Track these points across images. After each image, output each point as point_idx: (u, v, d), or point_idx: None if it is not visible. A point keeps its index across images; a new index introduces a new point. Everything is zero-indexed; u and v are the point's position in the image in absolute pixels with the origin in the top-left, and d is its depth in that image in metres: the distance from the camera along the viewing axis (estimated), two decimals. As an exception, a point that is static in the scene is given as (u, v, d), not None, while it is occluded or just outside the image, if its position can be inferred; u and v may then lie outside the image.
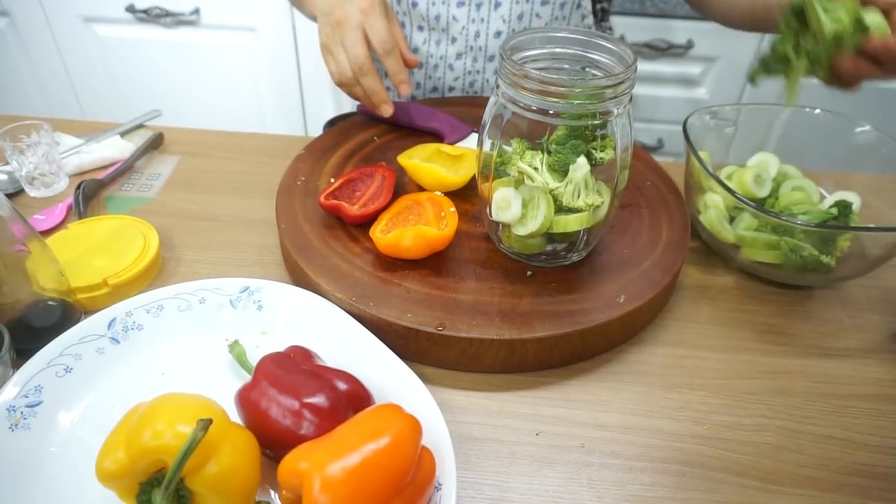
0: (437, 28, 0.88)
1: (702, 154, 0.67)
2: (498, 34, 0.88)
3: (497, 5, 0.85)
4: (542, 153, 0.56)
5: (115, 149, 0.85)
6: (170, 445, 0.39)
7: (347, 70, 0.73)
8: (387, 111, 0.76)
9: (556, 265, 0.63)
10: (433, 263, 0.63)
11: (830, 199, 0.70)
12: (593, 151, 0.55)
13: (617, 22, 1.40)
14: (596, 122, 0.54)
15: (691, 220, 0.71)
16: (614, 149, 0.55)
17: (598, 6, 0.96)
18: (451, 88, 0.94)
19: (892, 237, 0.60)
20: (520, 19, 0.86)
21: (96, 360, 0.55)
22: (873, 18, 0.55)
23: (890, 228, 0.61)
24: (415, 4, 0.87)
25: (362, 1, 0.72)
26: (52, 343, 0.53)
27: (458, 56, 0.90)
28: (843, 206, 0.67)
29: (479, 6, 0.86)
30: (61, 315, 0.59)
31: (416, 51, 0.92)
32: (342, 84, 0.75)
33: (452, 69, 0.91)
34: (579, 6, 0.88)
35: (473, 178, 0.70)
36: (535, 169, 0.56)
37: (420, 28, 0.90)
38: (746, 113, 0.77)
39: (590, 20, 0.93)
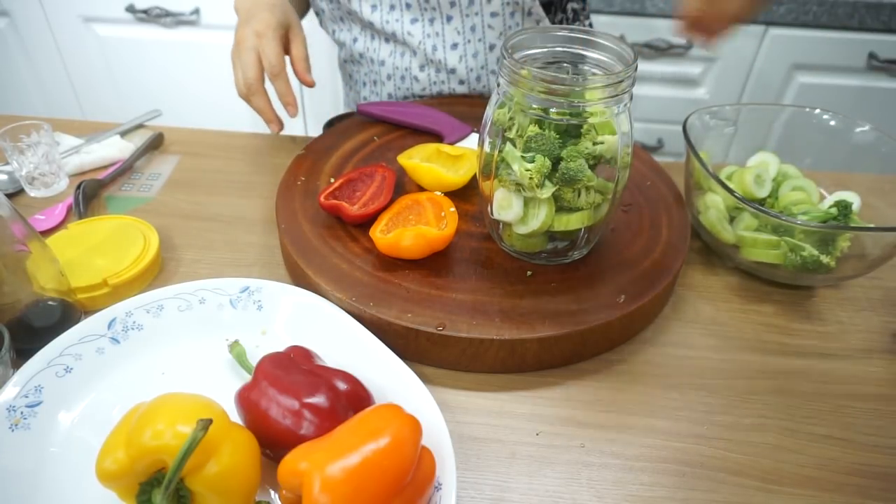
0: (397, 42, 0.89)
1: (702, 154, 0.67)
2: (454, 46, 0.88)
3: (449, 19, 0.86)
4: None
5: (115, 149, 0.85)
6: (170, 445, 0.39)
7: (242, 87, 0.77)
8: (274, 129, 0.79)
9: (557, 263, 0.63)
10: (433, 263, 0.63)
11: (830, 200, 0.70)
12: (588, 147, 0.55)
13: (617, 22, 1.40)
14: (597, 120, 0.54)
15: (691, 220, 0.71)
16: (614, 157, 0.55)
17: (570, 6, 0.96)
18: (421, 97, 0.94)
19: (892, 237, 0.60)
20: (473, 31, 0.87)
21: (96, 360, 0.55)
22: None
23: (890, 228, 0.61)
24: (371, 23, 0.88)
25: (259, 23, 0.76)
26: (52, 343, 0.53)
27: (421, 68, 0.91)
28: (843, 206, 0.67)
29: (432, 21, 0.86)
30: (61, 315, 0.59)
31: (382, 63, 0.93)
32: (239, 96, 0.79)
33: (418, 80, 0.92)
34: (530, 14, 0.88)
35: (473, 178, 0.70)
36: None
37: (387, 41, 0.90)
38: (746, 113, 0.77)
39: (545, 24, 0.92)
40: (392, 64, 0.92)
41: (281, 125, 0.79)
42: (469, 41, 0.87)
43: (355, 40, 0.94)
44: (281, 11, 0.79)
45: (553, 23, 0.94)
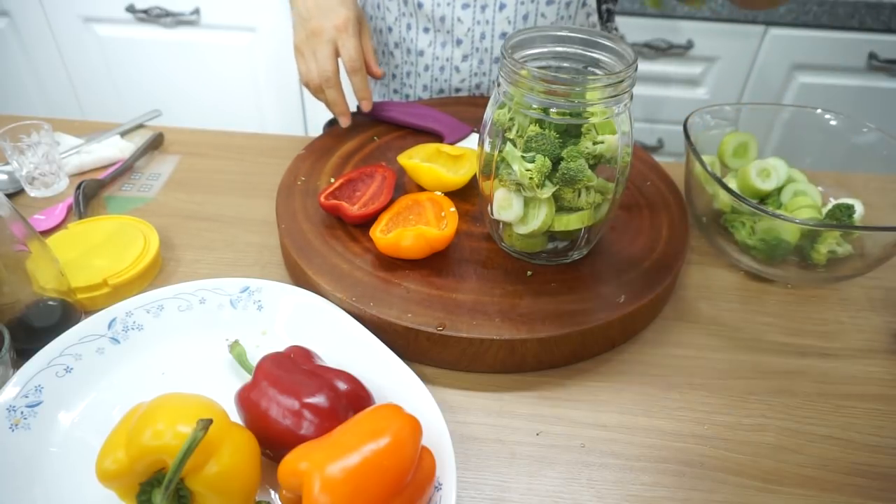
0: (442, 30, 0.89)
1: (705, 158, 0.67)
2: (503, 35, 0.88)
3: (502, 7, 0.86)
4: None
5: (115, 149, 0.85)
6: (170, 445, 0.39)
7: (315, 78, 0.78)
8: (344, 122, 0.81)
9: (557, 263, 0.63)
10: (433, 263, 0.63)
11: (832, 203, 0.70)
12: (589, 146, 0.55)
13: (617, 22, 1.40)
14: (597, 120, 0.54)
15: (691, 220, 0.71)
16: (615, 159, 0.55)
17: (604, 7, 0.96)
18: (458, 90, 0.94)
19: (891, 237, 0.60)
20: (525, 20, 0.87)
21: (96, 360, 0.55)
22: None
23: (889, 228, 0.61)
24: (420, 5, 0.88)
25: (338, 17, 0.77)
26: (52, 343, 0.53)
27: (464, 58, 0.91)
28: (845, 208, 0.67)
29: (483, 8, 0.86)
30: (61, 315, 0.59)
31: (421, 53, 0.93)
32: (308, 87, 0.80)
33: (459, 71, 0.92)
34: (584, 5, 0.89)
35: (473, 178, 0.70)
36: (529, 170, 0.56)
37: (426, 30, 0.90)
38: (746, 113, 0.77)
39: (594, 19, 0.93)
40: (432, 54, 0.92)
41: (350, 118, 0.81)
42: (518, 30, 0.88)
43: (390, 29, 0.94)
44: (353, 4, 0.80)
45: (590, 23, 0.94)
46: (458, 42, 0.89)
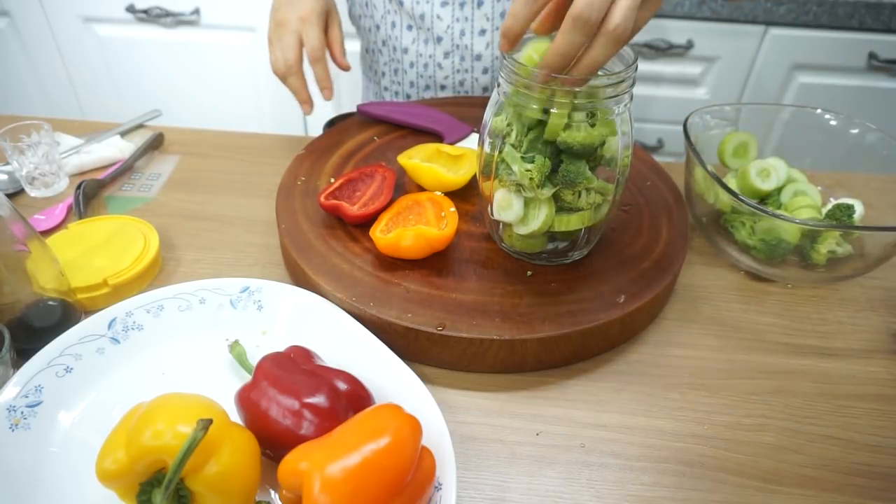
0: (423, 27, 0.90)
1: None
2: (482, 32, 0.88)
3: (480, 4, 0.86)
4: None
5: (115, 149, 0.85)
6: (170, 445, 0.39)
7: (281, 67, 0.81)
8: (306, 111, 0.83)
9: (558, 263, 0.63)
10: (433, 263, 0.63)
11: (832, 203, 0.70)
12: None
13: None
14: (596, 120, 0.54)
15: (691, 220, 0.71)
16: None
17: None
18: (443, 87, 0.95)
19: (891, 237, 0.60)
20: (503, 16, 0.87)
21: (96, 360, 0.55)
22: None
23: (889, 228, 0.61)
24: (401, 3, 0.89)
25: (303, 8, 0.80)
26: (52, 343, 0.53)
27: (446, 55, 0.91)
28: (845, 208, 0.67)
29: (462, 5, 0.87)
30: (61, 315, 0.59)
31: (406, 51, 0.93)
32: (276, 75, 0.83)
33: (442, 68, 0.92)
34: None
35: (473, 178, 0.70)
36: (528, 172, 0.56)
37: (409, 27, 0.91)
38: (746, 113, 0.77)
39: None
40: (415, 51, 0.93)
41: (312, 106, 0.83)
42: (497, 28, 0.88)
43: (378, 27, 0.94)
44: None
45: None
46: (439, 39, 0.90)
